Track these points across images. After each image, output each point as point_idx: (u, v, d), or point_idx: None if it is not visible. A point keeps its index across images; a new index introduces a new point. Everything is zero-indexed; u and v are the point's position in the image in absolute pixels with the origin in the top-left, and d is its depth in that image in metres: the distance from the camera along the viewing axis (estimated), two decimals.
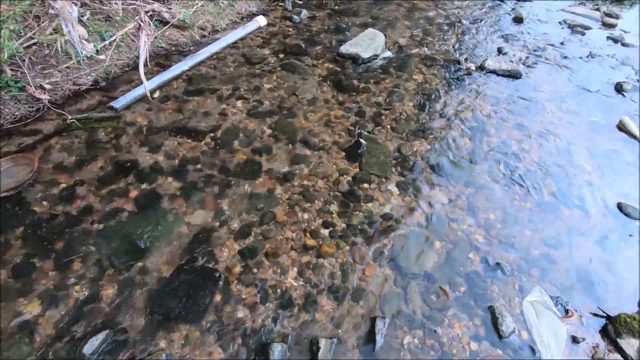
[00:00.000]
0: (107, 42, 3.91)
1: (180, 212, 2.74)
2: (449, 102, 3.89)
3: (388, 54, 4.53)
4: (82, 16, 3.75)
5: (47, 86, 3.46)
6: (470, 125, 3.57)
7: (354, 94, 3.95)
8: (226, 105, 3.70)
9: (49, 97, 3.45)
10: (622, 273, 2.49)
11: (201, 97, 3.78)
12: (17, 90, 3.28)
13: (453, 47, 4.80)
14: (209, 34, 4.70)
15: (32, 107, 3.37)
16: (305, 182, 2.98)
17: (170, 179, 2.96)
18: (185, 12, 4.42)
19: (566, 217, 2.79)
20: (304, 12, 5.32)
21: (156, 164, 3.06)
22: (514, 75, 4.26)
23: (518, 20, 5.43)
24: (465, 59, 4.51)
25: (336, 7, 5.66)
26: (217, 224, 2.68)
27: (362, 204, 2.83)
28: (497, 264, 2.44)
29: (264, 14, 5.25)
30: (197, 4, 4.63)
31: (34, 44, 3.27)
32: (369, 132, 3.44)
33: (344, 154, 3.24)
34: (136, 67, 4.04)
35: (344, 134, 3.45)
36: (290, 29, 5.04)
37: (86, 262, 2.41)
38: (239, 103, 3.74)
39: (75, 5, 3.31)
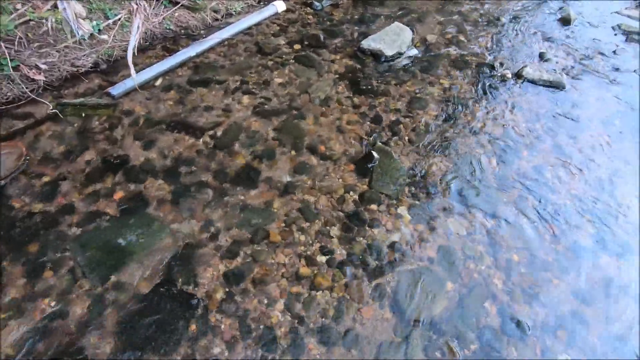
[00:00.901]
0: (110, 21, 3.61)
1: (167, 221, 2.47)
2: (478, 113, 3.43)
3: (414, 52, 4.06)
4: None
5: (43, 66, 3.21)
6: (499, 144, 3.13)
7: (372, 96, 3.55)
8: (231, 100, 3.37)
9: (44, 78, 3.20)
10: None
11: (206, 88, 3.46)
12: (10, 70, 3.04)
13: (488, 49, 4.27)
14: (222, 17, 4.34)
15: (27, 88, 3.14)
16: (306, 197, 2.65)
17: (160, 181, 2.69)
18: None
19: (605, 267, 2.38)
20: None
21: (147, 163, 2.79)
22: (555, 86, 3.74)
23: (565, 21, 4.81)
24: (501, 64, 3.99)
25: None
26: (205, 237, 2.41)
27: (367, 228, 2.49)
28: (518, 321, 2.07)
29: None
30: None
31: (28, 21, 2.99)
32: (383, 143, 3.06)
33: (353, 166, 2.89)
34: (142, 50, 3.74)
35: (356, 143, 3.08)
36: (310, 17, 4.60)
37: (59, 270, 2.19)
38: (246, 98, 3.40)
39: None
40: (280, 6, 4.53)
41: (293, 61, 3.89)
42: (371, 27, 4.50)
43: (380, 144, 3.00)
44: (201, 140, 3.00)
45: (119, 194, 2.57)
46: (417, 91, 3.63)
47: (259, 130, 3.13)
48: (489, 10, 4.99)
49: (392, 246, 2.40)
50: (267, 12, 4.43)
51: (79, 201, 2.51)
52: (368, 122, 3.28)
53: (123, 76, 3.44)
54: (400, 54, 3.94)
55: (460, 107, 3.48)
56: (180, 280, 2.17)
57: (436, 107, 3.47)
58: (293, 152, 2.98)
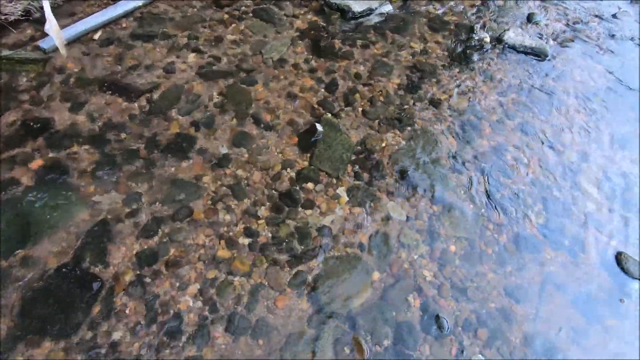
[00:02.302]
0: None
1: (87, 193, 2.24)
2: (444, 83, 3.04)
3: (388, 8, 3.54)
4: None
5: None
6: (461, 119, 2.79)
7: (333, 59, 3.13)
8: (176, 58, 2.98)
9: None
10: (597, 353, 1.92)
11: (150, 43, 3.05)
12: None
13: (473, 7, 3.73)
14: None
15: None
16: (239, 172, 2.39)
17: (85, 147, 2.42)
18: None
19: (546, 262, 2.16)
20: None
21: (73, 127, 2.50)
22: (537, 54, 3.28)
23: None
24: (483, 26, 3.49)
25: None
26: (126, 212, 2.19)
27: (299, 209, 2.26)
28: (437, 316, 1.90)
29: None
30: None
31: None
32: (333, 114, 2.72)
33: (296, 139, 2.58)
34: None
35: (305, 113, 2.75)
36: None
37: None
38: (192, 56, 3.01)
39: None
40: None
41: (251, 15, 3.41)
42: None
43: (329, 115, 2.67)
44: (136, 103, 2.68)
45: (38, 162, 2.32)
46: (384, 55, 3.20)
47: (201, 95, 2.79)
48: None
49: (322, 230, 2.18)
50: None
51: None
52: (322, 89, 2.91)
53: (60, 27, 3.02)
54: (371, 11, 3.44)
55: (426, 76, 3.07)
56: (89, 259, 1.99)
57: (401, 75, 3.07)
58: (235, 121, 2.67)
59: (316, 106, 2.78)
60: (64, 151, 2.39)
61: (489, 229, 2.24)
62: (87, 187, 2.27)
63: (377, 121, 2.72)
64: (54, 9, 3.10)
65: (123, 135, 2.51)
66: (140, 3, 3.27)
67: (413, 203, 2.32)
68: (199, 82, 2.85)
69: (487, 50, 3.26)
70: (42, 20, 3.05)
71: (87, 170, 2.33)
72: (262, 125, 2.66)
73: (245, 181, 2.35)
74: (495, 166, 2.54)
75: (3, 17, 2.97)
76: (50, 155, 2.36)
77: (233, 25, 3.29)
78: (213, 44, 3.12)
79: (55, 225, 2.10)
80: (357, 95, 2.87)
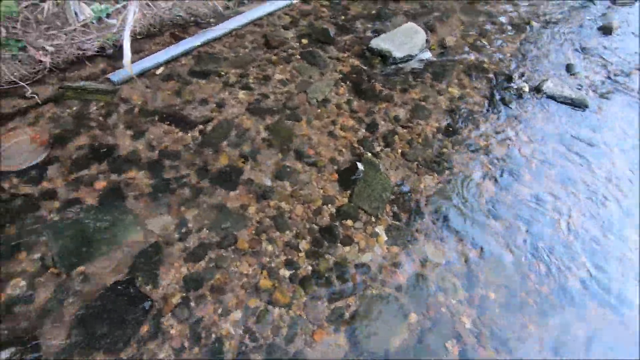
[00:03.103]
0: (119, 5, 3.57)
1: (142, 215, 2.45)
2: (483, 129, 3.15)
3: (427, 55, 3.77)
4: None
5: (50, 48, 3.23)
6: (500, 166, 2.86)
7: (373, 101, 3.33)
8: (228, 94, 3.28)
9: (50, 60, 3.23)
10: None
11: (205, 80, 3.38)
12: (17, 50, 3.09)
13: (511, 57, 3.89)
14: (234, 5, 4.20)
15: (33, 69, 3.18)
16: (282, 205, 2.54)
17: (142, 172, 2.67)
18: None
19: (591, 318, 2.13)
20: None
21: (134, 153, 2.77)
22: (577, 105, 3.35)
23: (606, 30, 4.29)
24: (521, 75, 3.63)
25: None
26: (175, 236, 2.37)
27: (338, 245, 2.36)
28: None
29: None
30: None
31: (32, 4, 3.00)
32: (373, 153, 2.87)
33: (337, 176, 2.73)
34: (149, 36, 3.71)
35: (346, 151, 2.91)
36: (325, 10, 4.37)
37: (31, 254, 2.23)
38: (242, 93, 3.29)
39: None
40: None
41: (298, 57, 3.71)
42: (386, 25, 4.21)
43: (369, 154, 2.82)
44: (190, 134, 2.94)
45: (101, 184, 2.57)
46: (422, 99, 3.38)
47: (250, 129, 3.03)
48: (520, 13, 4.53)
49: (360, 267, 2.26)
50: (281, 2, 4.25)
51: (61, 187, 2.53)
52: (363, 130, 3.09)
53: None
54: (410, 57, 3.66)
55: (465, 121, 3.20)
56: (141, 278, 2.15)
57: (439, 119, 3.21)
58: (279, 155, 2.87)
59: (356, 145, 2.94)
60: (124, 175, 2.64)
61: (530, 279, 2.25)
62: (142, 210, 2.48)
63: (415, 163, 2.84)
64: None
65: (177, 163, 2.75)
66: (198, 43, 3.66)
67: (451, 246, 2.37)
68: (247, 118, 3.11)
69: (526, 99, 3.37)
70: (114, 56, 3.48)
71: (143, 194, 2.55)
72: (304, 161, 2.83)
73: (288, 214, 2.49)
74: (536, 214, 2.57)
75: (81, 52, 3.40)
76: (112, 178, 2.61)
77: (281, 66, 3.59)
78: (262, 82, 3.41)
79: (112, 244, 2.29)
80: (397, 137, 3.03)
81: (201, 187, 2.63)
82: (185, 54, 3.60)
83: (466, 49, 3.96)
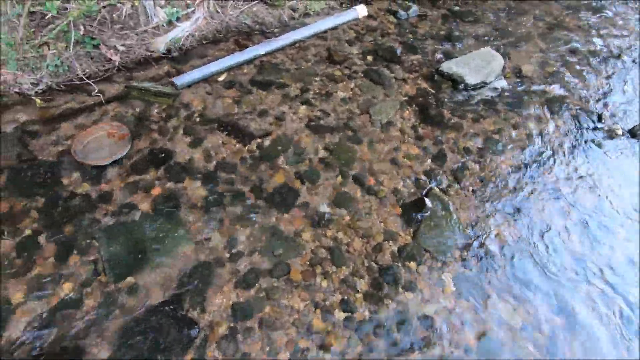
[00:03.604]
0: (190, 10, 3.59)
1: (194, 229, 2.36)
2: (567, 173, 2.81)
3: (502, 83, 3.47)
4: None
5: (121, 48, 3.28)
6: (587, 218, 2.52)
7: (441, 129, 3.09)
8: (288, 108, 3.16)
9: (120, 59, 3.28)
10: None
11: (266, 90, 3.29)
12: (92, 47, 3.15)
13: (598, 92, 3.51)
14: (300, 16, 4.12)
15: (103, 67, 3.24)
16: (339, 235, 2.36)
17: (198, 183, 2.59)
18: None
19: None
20: (414, 9, 4.39)
21: (190, 162, 2.70)
22: None
23: None
24: (612, 115, 3.24)
25: (455, 8, 4.58)
26: (226, 256, 2.25)
27: (400, 290, 2.13)
28: None
29: (366, 2, 4.46)
30: None
31: (110, 4, 3.05)
32: (442, 189, 2.62)
33: (399, 210, 2.51)
34: (214, 41, 3.69)
35: (410, 182, 2.69)
36: (392, 27, 4.19)
37: (84, 258, 2.18)
38: (303, 108, 3.17)
39: None
40: (362, 11, 4.19)
41: (362, 74, 3.55)
42: (457, 47, 3.96)
43: (437, 189, 2.58)
44: (247, 147, 2.84)
45: (156, 190, 2.52)
46: (496, 131, 3.09)
47: (308, 147, 2.88)
48: (608, 43, 4.12)
49: (425, 320, 2.02)
50: (346, 16, 4.12)
51: (118, 190, 2.50)
52: (429, 160, 2.85)
53: (192, 66, 3.40)
54: (484, 84, 3.39)
55: (546, 161, 2.88)
56: (189, 300, 2.03)
57: (515, 155, 2.91)
58: (338, 179, 2.69)
59: (422, 177, 2.71)
60: (180, 184, 2.57)
61: (622, 356, 1.90)
62: (194, 223, 2.38)
63: (488, 204, 2.56)
64: (190, 50, 3.52)
65: (232, 177, 2.65)
66: (262, 52, 3.59)
67: (530, 309, 2.08)
68: (307, 134, 2.97)
69: (618, 143, 2.99)
70: (179, 59, 3.48)
71: (196, 206, 2.46)
72: (364, 188, 2.64)
73: (345, 247, 2.30)
74: (630, 278, 2.21)
75: (149, 53, 3.43)
76: (168, 185, 2.55)
77: (344, 82, 3.44)
78: (323, 98, 3.27)
79: (163, 257, 2.21)
80: (467, 171, 2.76)
81: (255, 205, 2.50)
82: (249, 62, 3.54)
83: (545, 79, 3.62)
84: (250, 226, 2.39)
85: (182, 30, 2.73)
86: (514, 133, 3.09)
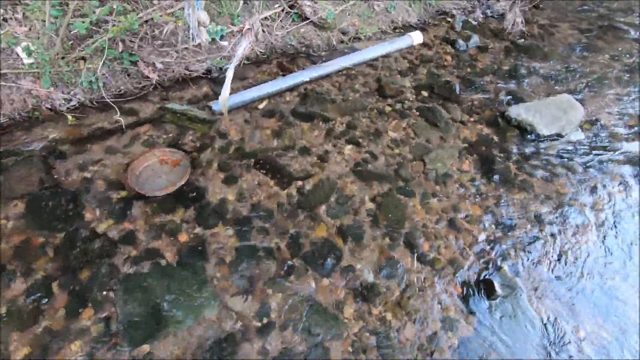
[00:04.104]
0: (235, 29, 3.34)
1: (221, 287, 2.06)
2: None
3: (579, 135, 3.03)
4: None
5: (159, 65, 3.06)
6: None
7: (506, 187, 2.68)
8: (332, 147, 2.84)
9: (157, 77, 3.06)
10: None
11: (309, 123, 2.99)
12: (129, 64, 2.94)
13: None
14: (349, 40, 3.81)
15: (139, 84, 3.03)
16: (388, 316, 2.00)
17: (229, 231, 2.29)
18: (330, 10, 3.58)
19: None
20: (474, 39, 3.99)
21: (223, 204, 2.42)
22: None
23: None
24: None
25: (520, 41, 4.15)
26: (254, 326, 1.93)
27: None
28: None
29: (422, 29, 4.10)
30: (348, 2, 3.73)
31: (149, 20, 2.82)
32: (513, 270, 2.22)
33: (460, 289, 2.13)
34: (256, 63, 3.43)
35: (471, 253, 2.30)
36: (449, 58, 3.81)
37: (98, 313, 1.92)
38: (348, 148, 2.84)
39: None
40: (417, 38, 3.83)
41: (415, 112, 3.19)
42: (523, 87, 3.54)
43: (506, 269, 2.17)
44: (286, 191, 2.53)
45: (183, 236, 2.24)
46: (572, 197, 2.65)
47: (354, 196, 2.55)
48: None
49: None
50: (400, 43, 3.78)
51: (143, 232, 2.24)
52: (493, 225, 2.45)
53: (231, 89, 3.14)
54: (559, 137, 2.95)
55: (634, 239, 2.42)
56: None
57: (600, 233, 2.47)
58: (386, 240, 2.34)
59: (486, 248, 2.32)
60: (209, 230, 2.28)
61: None
62: (221, 281, 2.09)
63: (570, 293, 2.14)
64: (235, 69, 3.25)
65: (268, 226, 2.34)
66: (307, 78, 3.30)
67: None
68: (352, 180, 2.63)
69: None
70: (218, 81, 3.22)
71: (225, 260, 2.17)
72: (417, 254, 2.28)
73: (395, 333, 1.94)
74: None
75: (188, 72, 3.19)
76: (196, 231, 2.27)
77: (395, 120, 3.09)
78: (372, 138, 2.93)
79: (184, 321, 1.92)
80: (541, 246, 2.35)
81: (291, 264, 2.18)
82: (292, 89, 3.25)
83: (627, 133, 3.14)
84: (284, 291, 2.07)
85: (234, 64, 2.48)
86: (593, 199, 2.64)
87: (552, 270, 2.22)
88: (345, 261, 2.22)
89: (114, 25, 2.59)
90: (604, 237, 2.44)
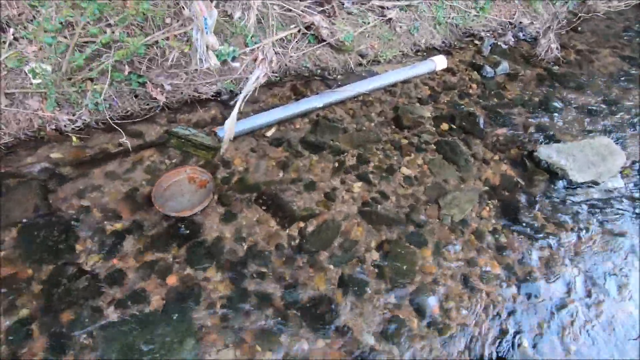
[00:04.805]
0: (248, 49, 3.19)
1: (207, 341, 1.89)
2: None
3: (618, 183, 2.69)
4: (229, 16, 3.06)
5: (168, 87, 2.95)
6: None
7: (531, 239, 2.39)
8: (340, 183, 2.63)
9: (165, 99, 2.95)
10: None
11: (318, 155, 2.80)
12: (137, 85, 2.85)
13: None
14: (368, 63, 3.60)
15: (147, 105, 2.93)
16: None
17: (222, 275, 2.13)
18: (349, 32, 3.37)
19: None
20: (504, 65, 3.68)
21: (218, 243, 2.26)
22: None
23: None
24: None
25: (555, 68, 3.80)
26: None
27: None
28: None
29: (447, 52, 3.83)
30: (368, 24, 3.52)
31: (155, 42, 2.71)
32: (533, 344, 1.94)
33: None
34: (268, 85, 3.27)
35: (486, 319, 2.03)
36: (474, 86, 3.53)
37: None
38: (358, 185, 2.63)
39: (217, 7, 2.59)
40: (440, 63, 3.57)
41: (433, 146, 2.93)
42: (555, 122, 3.22)
43: (526, 345, 1.90)
44: (287, 231, 2.35)
45: (172, 278, 2.09)
46: (607, 254, 2.33)
47: (359, 242, 2.33)
48: None
49: None
50: (421, 67, 3.53)
51: (132, 269, 2.11)
52: (514, 287, 2.17)
53: (240, 114, 2.99)
54: (594, 184, 2.63)
55: None
56: None
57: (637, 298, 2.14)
58: (391, 298, 2.11)
59: (504, 316, 2.04)
60: (202, 272, 2.13)
61: None
62: (209, 330, 1.93)
63: None
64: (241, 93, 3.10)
65: (264, 270, 2.16)
66: (320, 105, 3.11)
67: None
68: (359, 224, 2.42)
69: None
70: (228, 104, 3.09)
71: (215, 306, 2.01)
72: (425, 316, 2.03)
73: None
74: None
75: (197, 94, 3.07)
76: (187, 272, 2.12)
77: (410, 155, 2.85)
78: (384, 174, 2.71)
79: None
80: (571, 319, 2.05)
81: (285, 319, 1.99)
82: (303, 115, 3.07)
83: None
84: (276, 350, 1.88)
85: (244, 95, 2.34)
86: (630, 261, 2.31)
87: (582, 351, 1.93)
88: (342, 318, 2.01)
89: (119, 49, 2.49)
90: None
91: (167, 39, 2.61)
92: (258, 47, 2.92)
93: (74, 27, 2.49)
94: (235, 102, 2.61)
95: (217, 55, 2.99)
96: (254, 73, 2.43)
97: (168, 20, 2.68)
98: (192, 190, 2.47)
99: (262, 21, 3.21)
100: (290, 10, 3.26)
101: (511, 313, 2.05)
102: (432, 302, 2.08)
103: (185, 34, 2.76)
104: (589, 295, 2.15)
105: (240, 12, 2.83)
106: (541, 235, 2.41)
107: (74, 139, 2.68)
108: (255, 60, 2.61)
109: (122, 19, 2.36)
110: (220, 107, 3.06)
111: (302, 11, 3.25)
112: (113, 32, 2.39)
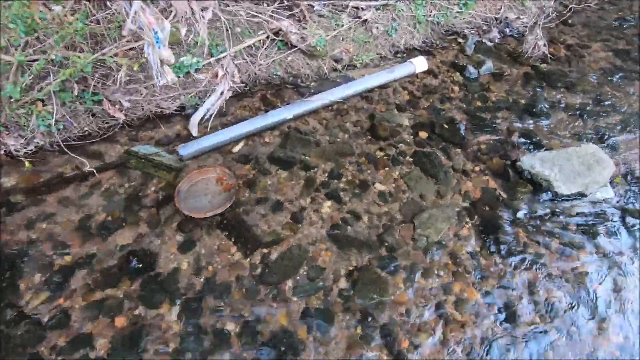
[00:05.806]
0: (213, 59, 2.97)
1: None
2: None
3: (608, 193, 2.47)
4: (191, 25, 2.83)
5: (126, 104, 2.74)
6: None
7: (511, 261, 2.18)
8: (309, 202, 2.43)
9: (124, 117, 2.74)
10: None
11: (287, 171, 2.59)
12: (92, 104, 2.64)
13: None
14: (343, 68, 3.36)
15: (106, 124, 2.73)
16: None
17: (175, 313, 1.95)
18: (320, 37, 3.14)
19: None
20: (488, 64, 3.43)
21: (174, 274, 2.07)
22: None
23: None
24: None
25: (543, 66, 3.54)
26: None
27: None
28: None
29: (428, 52, 3.58)
30: (342, 27, 3.27)
31: (103, 61, 2.49)
32: None
33: None
34: (237, 96, 3.05)
35: (461, 355, 1.84)
36: (456, 88, 3.29)
37: None
38: (328, 205, 2.42)
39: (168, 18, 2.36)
40: (420, 65, 3.33)
41: (410, 159, 2.72)
42: (541, 126, 2.98)
43: None
44: (248, 260, 2.16)
45: (121, 320, 1.91)
46: (597, 277, 2.12)
47: (326, 270, 2.14)
48: None
49: None
50: (400, 71, 3.29)
51: (78, 310, 1.93)
52: (492, 316, 1.97)
53: (205, 127, 2.79)
54: (581, 197, 2.41)
55: None
56: None
57: (630, 325, 1.94)
58: (357, 331, 1.92)
59: (481, 351, 1.85)
60: (154, 311, 1.94)
61: None
62: None
63: None
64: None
65: (222, 306, 1.98)
66: (290, 116, 2.89)
67: None
68: (327, 248, 2.22)
69: None
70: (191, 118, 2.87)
71: (165, 351, 1.82)
72: (393, 354, 1.84)
73: None
74: None
75: (159, 110, 2.86)
76: (138, 311, 1.94)
77: (386, 168, 2.64)
78: (356, 191, 2.50)
79: None
80: (556, 352, 1.85)
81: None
82: (273, 127, 2.86)
83: None
84: None
85: (209, 108, 2.14)
86: (625, 281, 2.10)
87: None
88: (306, 355, 1.82)
89: (67, 68, 2.28)
90: (635, 338, 1.90)
91: (116, 55, 2.38)
92: (218, 61, 2.69)
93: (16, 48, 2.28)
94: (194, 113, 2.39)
95: (178, 68, 2.78)
96: (217, 90, 2.22)
97: (117, 37, 2.45)
98: (216, 192, 2.41)
99: (229, 29, 2.98)
100: (256, 16, 3.02)
101: (488, 347, 1.86)
102: (400, 336, 1.88)
103: (136, 49, 2.53)
104: (575, 325, 1.95)
105: (186, 27, 2.59)
106: (524, 255, 2.20)
107: (27, 163, 2.49)
108: (216, 76, 2.39)
109: (59, 38, 2.14)
110: (184, 122, 2.85)
111: (269, 17, 3.01)
112: (49, 54, 2.17)
